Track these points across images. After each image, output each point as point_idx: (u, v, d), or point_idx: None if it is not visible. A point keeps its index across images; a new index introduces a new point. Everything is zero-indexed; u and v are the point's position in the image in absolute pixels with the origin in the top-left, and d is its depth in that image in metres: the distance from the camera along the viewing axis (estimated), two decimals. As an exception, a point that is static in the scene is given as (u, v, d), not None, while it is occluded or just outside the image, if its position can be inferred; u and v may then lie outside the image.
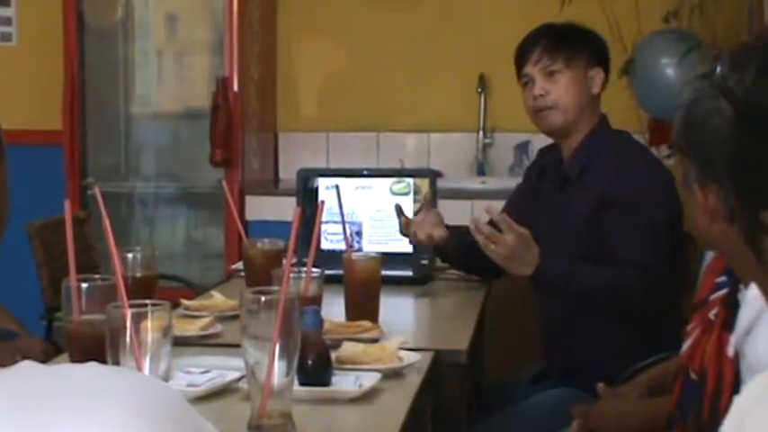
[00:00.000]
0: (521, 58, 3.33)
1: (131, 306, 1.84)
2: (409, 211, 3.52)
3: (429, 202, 3.50)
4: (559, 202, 3.28)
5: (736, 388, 1.99)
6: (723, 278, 2.17)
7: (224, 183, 3.61)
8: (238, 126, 5.02)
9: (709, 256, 2.34)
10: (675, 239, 3.06)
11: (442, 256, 3.54)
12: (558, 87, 3.25)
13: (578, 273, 3.07)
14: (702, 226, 1.94)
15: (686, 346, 2.26)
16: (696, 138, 1.88)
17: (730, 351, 1.99)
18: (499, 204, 3.66)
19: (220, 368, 2.26)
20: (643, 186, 3.13)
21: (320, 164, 5.29)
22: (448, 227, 3.42)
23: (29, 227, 3.92)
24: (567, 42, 3.29)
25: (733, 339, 1.97)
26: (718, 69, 1.17)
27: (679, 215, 3.03)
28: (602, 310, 3.10)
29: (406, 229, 3.44)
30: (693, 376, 2.19)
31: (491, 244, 2.99)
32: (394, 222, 3.52)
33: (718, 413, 2.02)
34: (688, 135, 1.91)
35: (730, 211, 1.12)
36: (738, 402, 0.97)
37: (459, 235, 3.36)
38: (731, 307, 2.06)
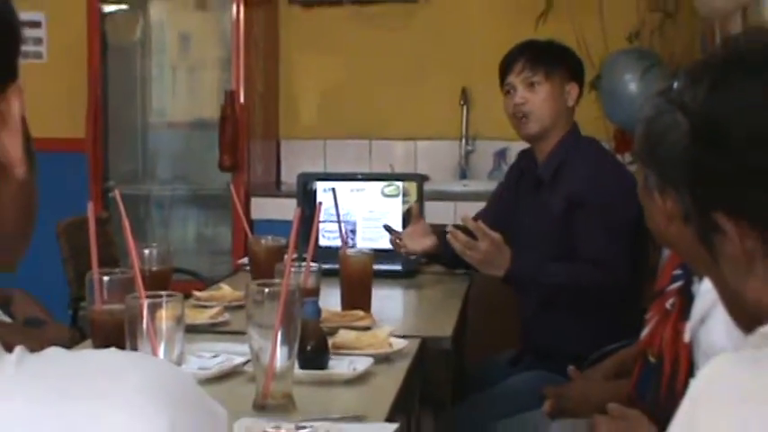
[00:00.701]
0: (505, 68, 3.34)
1: (148, 297, 1.84)
2: (398, 214, 3.53)
3: (417, 214, 3.47)
4: (534, 202, 3.30)
5: (690, 371, 2.00)
6: (679, 271, 2.18)
7: (231, 186, 3.62)
8: (244, 134, 5.02)
9: (667, 251, 2.35)
10: (639, 237, 3.07)
11: (436, 261, 3.53)
12: (537, 97, 3.27)
13: (545, 273, 3.09)
14: (661, 227, 1.95)
15: (645, 332, 2.27)
16: (656, 149, 1.88)
17: (686, 338, 2.00)
18: (479, 205, 3.68)
19: (228, 353, 2.26)
20: (609, 190, 3.14)
21: (318, 168, 5.29)
22: (434, 230, 3.41)
23: (56, 225, 3.92)
24: (548, 58, 3.30)
25: (688, 327, 1.98)
26: (676, 85, 1.17)
27: (642, 215, 3.04)
28: (570, 303, 3.12)
29: (397, 248, 3.42)
30: (652, 360, 2.20)
31: (467, 250, 3.01)
32: (386, 221, 3.52)
33: (675, 394, 2.02)
34: (649, 147, 1.91)
35: (686, 213, 1.13)
36: (692, 388, 0.98)
37: (448, 242, 3.38)
38: (686, 297, 2.07)
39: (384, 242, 3.49)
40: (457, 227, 3.09)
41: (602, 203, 3.10)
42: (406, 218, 3.54)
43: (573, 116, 3.34)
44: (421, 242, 3.37)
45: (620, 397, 2.45)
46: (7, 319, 3.46)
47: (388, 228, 3.44)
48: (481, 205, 3.69)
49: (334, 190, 3.20)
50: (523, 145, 3.49)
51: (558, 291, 3.10)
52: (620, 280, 3.04)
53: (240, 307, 2.59)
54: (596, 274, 3.04)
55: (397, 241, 3.39)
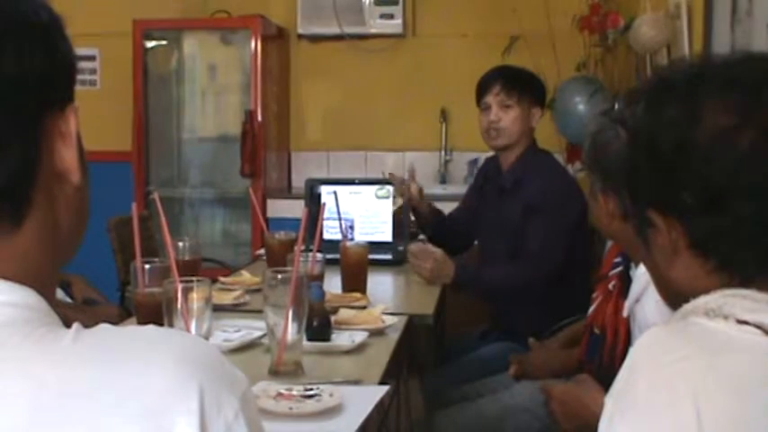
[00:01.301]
0: (483, 88, 3.34)
1: (181, 282, 1.84)
2: (389, 213, 3.54)
3: (413, 173, 3.55)
4: (498, 206, 3.30)
5: (628, 340, 2.01)
6: (619, 259, 2.18)
7: (250, 189, 3.60)
8: (261, 147, 5.02)
9: (610, 242, 2.35)
10: (583, 233, 3.07)
11: (422, 228, 3.62)
12: (508, 117, 3.27)
13: (484, 277, 3.11)
14: (605, 224, 1.96)
15: (591, 309, 2.27)
16: (601, 158, 1.89)
17: (625, 313, 2.01)
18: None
19: (248, 328, 2.25)
20: (558, 197, 3.15)
21: (322, 175, 5.29)
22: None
23: (107, 222, 3.92)
24: (520, 84, 3.31)
25: (626, 305, 1.98)
26: (617, 106, 1.18)
27: (585, 215, 3.05)
28: (509, 297, 3.14)
29: (399, 185, 3.51)
30: (597, 332, 2.20)
31: (416, 269, 3.06)
32: (379, 218, 3.53)
33: (614, 359, 2.03)
34: (595, 157, 1.92)
35: (625, 211, 1.13)
36: (630, 356, 0.98)
37: (437, 223, 3.50)
38: (625, 280, 2.08)
39: (377, 236, 3.49)
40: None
41: (551, 208, 3.11)
42: (397, 217, 3.55)
43: (533, 134, 3.35)
44: (416, 188, 3.50)
45: (572, 362, 2.46)
46: (68, 300, 3.45)
47: (392, 176, 3.58)
48: (454, 205, 3.71)
49: (335, 193, 3.20)
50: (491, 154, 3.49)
51: (501, 290, 3.12)
52: (556, 270, 3.05)
53: (258, 290, 2.58)
54: (530, 271, 3.05)
55: (400, 184, 3.51)
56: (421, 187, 3.54)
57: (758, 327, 0.95)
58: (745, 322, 0.96)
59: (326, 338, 2.17)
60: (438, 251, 3.03)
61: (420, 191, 3.52)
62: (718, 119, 1.00)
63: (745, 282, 1.00)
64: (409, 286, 3.15)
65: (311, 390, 1.73)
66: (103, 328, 0.81)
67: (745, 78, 1.02)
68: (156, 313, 1.86)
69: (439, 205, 4.44)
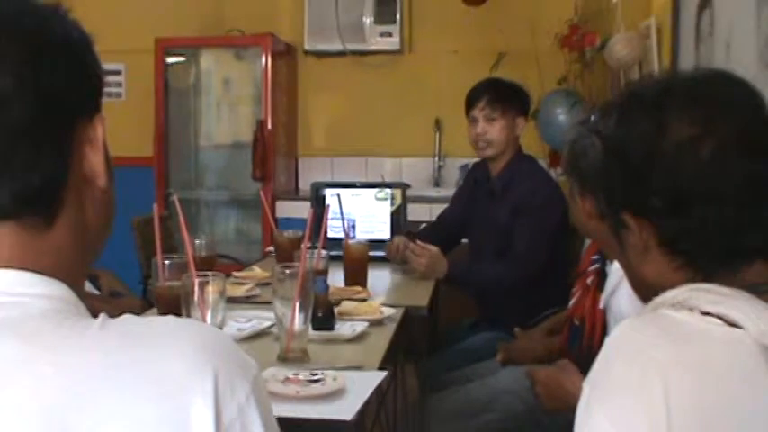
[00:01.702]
0: (471, 102, 3.33)
1: (198, 276, 1.85)
2: (387, 213, 3.54)
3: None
4: (488, 209, 3.30)
5: (604, 330, 2.02)
6: (596, 256, 2.19)
7: (261, 192, 3.61)
8: (271, 153, 5.02)
9: (588, 241, 2.36)
10: (564, 233, 3.07)
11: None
12: (494, 130, 3.27)
13: (474, 274, 3.11)
14: (582, 223, 1.96)
15: (572, 302, 2.28)
16: (578, 164, 1.89)
17: (601, 305, 2.01)
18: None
19: (259, 318, 2.26)
20: (542, 199, 3.15)
21: (327, 179, 5.27)
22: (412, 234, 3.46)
23: (131, 222, 3.92)
24: (505, 98, 3.30)
25: (603, 298, 1.99)
26: (593, 118, 1.18)
27: (566, 215, 3.04)
28: (498, 292, 3.14)
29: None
30: (576, 322, 2.21)
31: (413, 264, 3.06)
32: (378, 218, 3.53)
33: (592, 347, 2.04)
34: (573, 162, 1.92)
35: (601, 212, 1.13)
36: (606, 345, 0.99)
37: (432, 233, 3.46)
38: (602, 276, 2.08)
39: (377, 234, 3.50)
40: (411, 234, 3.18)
41: (536, 209, 3.11)
42: (394, 217, 3.56)
43: (518, 141, 3.35)
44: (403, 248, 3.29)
45: (554, 349, 2.46)
46: (96, 292, 3.46)
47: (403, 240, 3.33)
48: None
49: (339, 195, 3.20)
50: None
51: (489, 285, 3.12)
52: (540, 268, 3.05)
53: (268, 284, 2.59)
54: (518, 269, 3.05)
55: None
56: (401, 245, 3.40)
57: (720, 318, 0.96)
58: (708, 313, 0.96)
59: (330, 328, 2.18)
60: (433, 248, 3.03)
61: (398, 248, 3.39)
62: (683, 130, 1.00)
63: (707, 277, 1.00)
64: (406, 280, 3.16)
65: (316, 374, 1.73)
66: (127, 318, 0.81)
67: (708, 93, 1.03)
68: (175, 305, 1.86)
69: (433, 206, 4.46)
